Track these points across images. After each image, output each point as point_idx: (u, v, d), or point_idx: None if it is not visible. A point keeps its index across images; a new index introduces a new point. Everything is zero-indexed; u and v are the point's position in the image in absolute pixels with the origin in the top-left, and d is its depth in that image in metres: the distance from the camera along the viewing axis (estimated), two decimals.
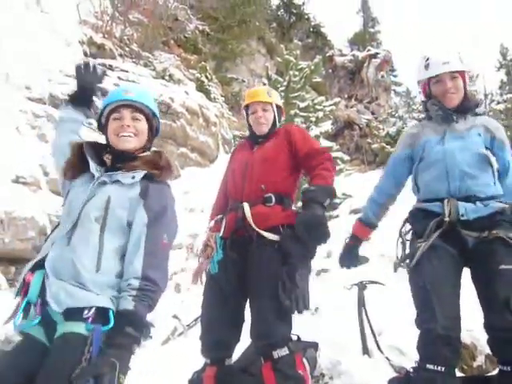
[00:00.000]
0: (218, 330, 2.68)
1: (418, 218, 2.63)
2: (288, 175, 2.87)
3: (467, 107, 2.68)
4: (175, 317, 5.45)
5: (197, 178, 11.54)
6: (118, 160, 2.11)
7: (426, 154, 2.65)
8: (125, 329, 1.78)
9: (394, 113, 17.75)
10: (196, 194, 10.46)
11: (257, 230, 2.66)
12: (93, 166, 2.08)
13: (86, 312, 1.81)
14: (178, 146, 12.42)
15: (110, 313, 1.84)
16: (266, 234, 2.65)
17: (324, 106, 10.09)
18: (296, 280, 2.49)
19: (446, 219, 2.45)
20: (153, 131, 2.28)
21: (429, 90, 2.74)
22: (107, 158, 2.14)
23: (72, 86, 9.78)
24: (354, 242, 3.03)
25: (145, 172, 2.07)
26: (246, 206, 2.75)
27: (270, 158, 2.86)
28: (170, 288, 7.58)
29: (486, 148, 2.56)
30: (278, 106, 3.08)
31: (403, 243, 2.71)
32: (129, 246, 1.95)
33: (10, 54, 9.55)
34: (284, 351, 2.44)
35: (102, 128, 2.24)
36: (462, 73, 2.67)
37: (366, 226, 3.01)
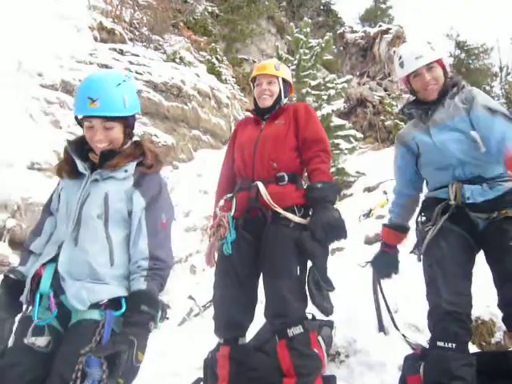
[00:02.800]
0: (231, 310, 2.68)
1: (428, 206, 2.63)
2: (297, 156, 2.83)
3: (445, 93, 2.64)
4: (191, 298, 5.50)
5: (210, 159, 11.51)
6: (103, 158, 2.09)
7: (421, 150, 2.65)
8: (140, 307, 1.85)
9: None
10: (209, 176, 10.44)
11: (276, 209, 2.64)
12: (80, 165, 2.09)
13: (100, 302, 1.90)
14: (190, 128, 12.39)
15: (123, 300, 1.92)
16: (287, 214, 2.63)
17: (336, 84, 9.99)
18: (329, 278, 2.57)
19: (452, 203, 2.45)
20: (130, 125, 2.17)
21: (410, 85, 2.72)
22: (94, 158, 2.13)
23: (83, 71, 9.69)
24: (384, 248, 3.00)
25: (135, 164, 2.10)
26: (260, 184, 2.71)
27: (280, 137, 2.82)
28: (186, 270, 7.66)
29: (474, 128, 2.47)
30: (285, 81, 3.02)
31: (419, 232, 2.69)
32: (131, 230, 2.02)
33: (20, 41, 9.57)
34: (299, 329, 2.44)
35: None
36: (438, 61, 2.63)
37: (392, 229, 2.93)
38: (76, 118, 2.11)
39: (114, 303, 1.91)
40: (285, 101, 3.02)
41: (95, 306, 1.89)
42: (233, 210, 2.76)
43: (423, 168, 2.68)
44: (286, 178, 2.74)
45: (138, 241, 1.98)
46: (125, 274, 1.99)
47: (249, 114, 3.18)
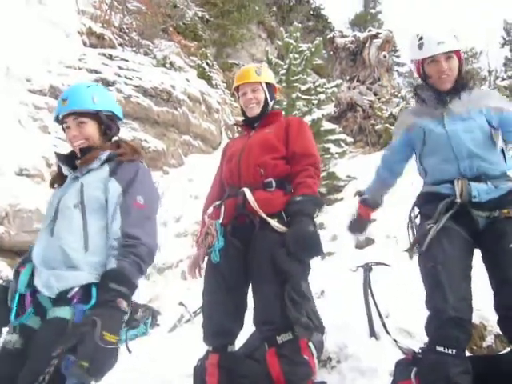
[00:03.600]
0: (219, 318, 2.64)
1: (427, 201, 2.56)
2: (286, 163, 2.77)
3: (460, 86, 2.59)
4: (181, 304, 5.47)
5: (200, 165, 11.49)
6: (83, 155, 2.20)
7: (427, 137, 2.57)
8: (108, 285, 1.78)
9: (396, 93, 17.55)
10: (200, 181, 10.40)
11: (262, 215, 2.58)
12: (64, 169, 2.22)
13: (69, 293, 1.85)
14: (181, 133, 12.37)
15: (93, 288, 1.87)
16: (271, 221, 2.58)
17: (326, 88, 10.01)
18: (305, 293, 2.49)
19: (458, 200, 2.39)
20: (104, 122, 2.25)
21: (422, 69, 2.64)
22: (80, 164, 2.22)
23: (72, 77, 9.68)
24: (360, 219, 3.20)
25: (109, 152, 2.16)
26: (247, 191, 2.66)
27: (267, 143, 2.77)
28: (176, 276, 7.62)
29: (490, 125, 2.48)
30: (268, 84, 2.96)
31: (413, 228, 2.65)
32: (108, 216, 2.01)
33: (9, 46, 9.50)
34: (288, 336, 2.40)
35: None
36: (457, 52, 2.58)
37: (369, 207, 3.11)
38: (62, 128, 2.25)
39: (87, 295, 1.85)
40: (271, 104, 2.98)
41: (66, 300, 1.85)
42: (221, 218, 2.72)
43: (426, 158, 2.61)
44: (274, 184, 2.69)
45: (112, 225, 1.95)
46: (102, 262, 1.93)
47: (240, 118, 3.14)
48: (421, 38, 2.58)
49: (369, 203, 3.09)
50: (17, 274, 2.02)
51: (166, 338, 4.85)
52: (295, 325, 2.42)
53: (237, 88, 2.99)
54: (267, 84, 2.95)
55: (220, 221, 2.70)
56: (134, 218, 1.94)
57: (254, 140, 2.84)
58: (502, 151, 2.51)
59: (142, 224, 1.95)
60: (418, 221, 2.65)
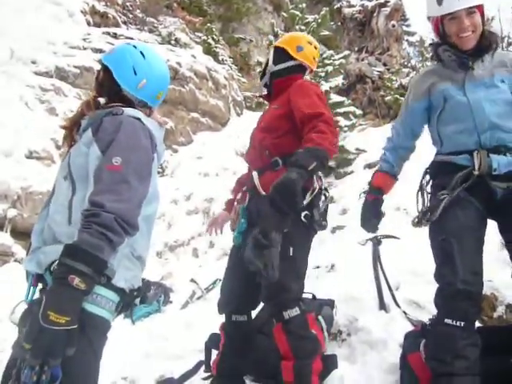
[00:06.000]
0: (233, 299, 2.73)
1: (442, 172, 2.44)
2: (294, 138, 2.57)
3: (484, 47, 2.39)
4: (193, 281, 5.51)
5: (209, 142, 11.48)
6: None
7: (447, 104, 2.40)
8: (60, 260, 1.57)
9: (406, 63, 17.23)
10: (210, 159, 10.43)
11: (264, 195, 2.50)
12: None
13: (52, 268, 1.69)
14: (189, 111, 12.30)
15: None
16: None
17: (333, 60, 9.87)
18: (273, 241, 2.23)
19: (476, 172, 2.27)
20: (107, 85, 2.07)
21: (442, 27, 2.40)
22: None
23: (77, 57, 9.63)
24: (377, 196, 2.86)
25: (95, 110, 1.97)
26: (254, 174, 2.66)
27: (272, 125, 2.70)
28: (188, 253, 7.69)
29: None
30: (278, 48, 2.89)
31: (423, 196, 2.56)
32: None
33: (12, 28, 9.46)
34: (295, 311, 2.40)
35: None
36: (479, 6, 2.33)
37: (391, 176, 2.83)
38: None
39: None
40: (275, 68, 2.84)
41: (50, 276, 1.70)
42: (246, 201, 2.73)
43: (443, 125, 2.44)
44: (281, 163, 2.58)
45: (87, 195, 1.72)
46: None
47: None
48: None
49: (388, 170, 2.81)
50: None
51: (178, 315, 4.91)
52: (247, 263, 2.26)
53: None
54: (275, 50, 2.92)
55: (245, 204, 2.72)
56: (104, 184, 1.68)
57: (262, 120, 2.86)
58: None
59: (111, 189, 1.68)
60: (429, 189, 2.56)
